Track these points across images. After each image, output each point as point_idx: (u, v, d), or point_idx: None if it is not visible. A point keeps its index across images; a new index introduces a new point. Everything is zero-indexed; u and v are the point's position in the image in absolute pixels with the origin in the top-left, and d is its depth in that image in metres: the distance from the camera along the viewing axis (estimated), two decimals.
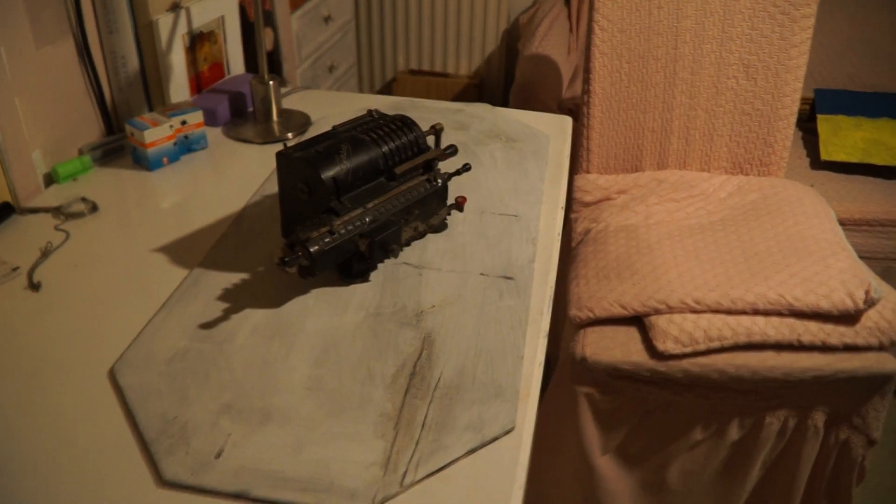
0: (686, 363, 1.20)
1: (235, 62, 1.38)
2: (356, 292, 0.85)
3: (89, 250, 0.92)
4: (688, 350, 1.19)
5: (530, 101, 1.80)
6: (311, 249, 0.78)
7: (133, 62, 1.17)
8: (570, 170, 1.57)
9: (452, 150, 1.03)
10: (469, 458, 0.65)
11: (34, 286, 0.85)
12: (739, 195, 1.48)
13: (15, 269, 0.87)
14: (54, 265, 0.89)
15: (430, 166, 0.93)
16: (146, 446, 0.65)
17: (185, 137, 1.14)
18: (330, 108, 1.31)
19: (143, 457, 0.64)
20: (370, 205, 0.85)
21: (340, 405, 0.69)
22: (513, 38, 2.60)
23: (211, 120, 1.23)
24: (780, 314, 1.21)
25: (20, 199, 1.01)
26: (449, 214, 0.97)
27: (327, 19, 2.15)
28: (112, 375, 0.72)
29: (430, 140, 0.97)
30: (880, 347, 1.21)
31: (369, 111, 0.96)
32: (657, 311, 1.23)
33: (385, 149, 0.88)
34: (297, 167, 0.84)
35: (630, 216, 1.46)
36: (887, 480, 1.67)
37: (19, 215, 0.98)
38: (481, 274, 0.88)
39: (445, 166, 0.99)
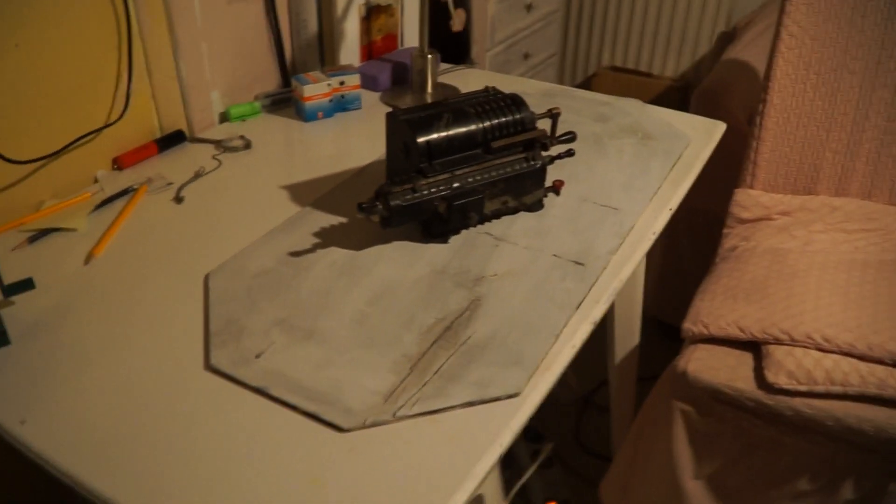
0: (798, 402, 1.10)
1: (411, 36, 1.49)
2: (431, 250, 0.90)
3: (231, 178, 1.07)
4: (803, 388, 1.09)
5: (713, 107, 1.71)
6: (391, 203, 0.85)
7: (313, 25, 1.32)
8: (732, 183, 1.48)
9: (570, 137, 1.04)
10: (465, 409, 0.68)
11: (178, 199, 1.01)
12: None
13: (169, 184, 1.05)
14: (200, 186, 1.05)
15: (531, 146, 0.95)
16: (208, 338, 0.76)
17: (342, 97, 1.26)
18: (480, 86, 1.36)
19: (202, 346, 0.75)
20: (459, 172, 0.90)
21: (373, 339, 0.75)
22: (728, 43, 2.46)
23: (372, 85, 1.34)
24: None
25: (195, 129, 1.19)
26: (546, 196, 0.99)
27: (529, 7, 2.20)
28: (206, 279, 0.85)
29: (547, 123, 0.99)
30: None
31: (486, 87, 1.00)
32: (778, 341, 1.14)
33: (486, 124, 0.92)
34: (400, 128, 0.91)
35: (786, 240, 1.35)
36: None
37: (189, 143, 1.16)
38: (554, 255, 0.89)
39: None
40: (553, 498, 1.53)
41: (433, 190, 0.88)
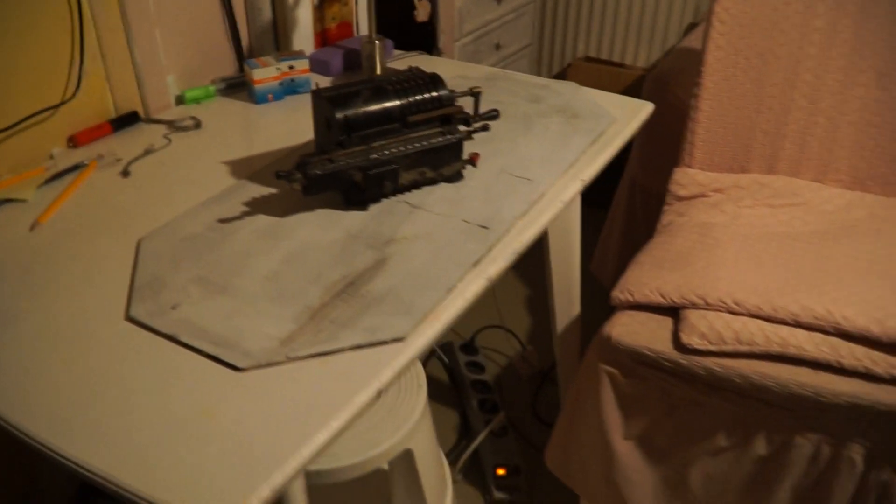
0: (709, 361, 1.17)
1: (366, 24, 1.56)
2: (350, 217, 0.98)
3: (178, 155, 1.15)
4: (713, 348, 1.16)
5: (662, 92, 1.78)
6: (309, 172, 0.93)
7: (267, 13, 1.40)
8: (654, 156, 1.55)
9: (493, 114, 1.11)
10: (354, 352, 0.76)
11: (125, 173, 1.09)
12: (846, 211, 1.37)
13: (118, 160, 1.13)
14: (148, 162, 1.13)
15: (448, 121, 1.03)
16: (131, 293, 0.84)
17: (292, 81, 1.34)
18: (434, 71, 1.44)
19: (125, 299, 0.83)
20: (376, 144, 0.98)
21: (281, 293, 0.83)
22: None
23: (324, 70, 1.42)
24: (824, 331, 1.13)
25: (150, 111, 1.27)
26: (464, 168, 1.06)
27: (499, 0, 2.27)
28: (139, 243, 0.93)
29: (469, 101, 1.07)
30: None
31: (410, 68, 1.08)
32: (694, 305, 1.21)
33: (403, 100, 1.00)
34: (322, 105, 0.99)
35: (716, 215, 1.42)
36: None
37: (144, 123, 1.25)
38: (463, 220, 0.96)
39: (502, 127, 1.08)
40: (504, 464, 1.61)
41: (350, 161, 0.95)
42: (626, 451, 1.32)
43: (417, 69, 1.07)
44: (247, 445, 0.66)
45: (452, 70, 1.45)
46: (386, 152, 0.98)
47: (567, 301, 1.46)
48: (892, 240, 1.25)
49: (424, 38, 1.98)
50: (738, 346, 1.15)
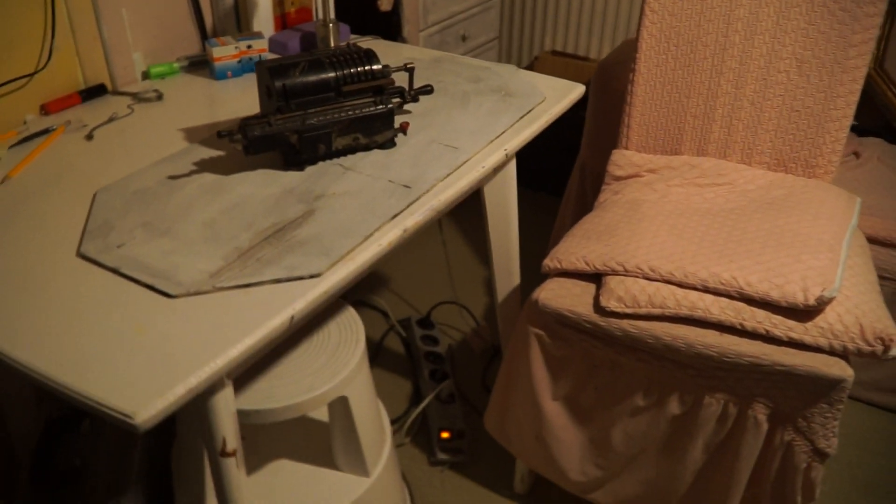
0: (625, 323, 1.27)
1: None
2: (287, 176, 1.08)
3: (139, 123, 1.25)
4: (628, 311, 1.26)
5: (608, 79, 1.88)
6: (248, 133, 1.03)
7: None
8: (600, 140, 1.66)
9: (427, 89, 1.22)
10: (274, 285, 0.85)
11: (89, 137, 1.19)
12: (766, 190, 1.48)
13: (84, 126, 1.23)
14: (111, 128, 1.23)
15: (381, 91, 1.13)
16: (83, 235, 0.94)
17: (250, 59, 1.44)
18: (386, 53, 1.54)
19: (78, 240, 0.93)
20: (312, 111, 1.08)
21: (216, 237, 0.93)
22: None
23: (282, 51, 1.52)
24: (730, 296, 1.23)
25: (117, 84, 1.37)
26: (395, 136, 1.16)
27: None
28: (95, 195, 1.03)
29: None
30: (831, 351, 1.18)
31: (348, 44, 1.18)
32: (614, 272, 1.31)
33: (339, 72, 1.10)
34: (264, 74, 1.09)
35: (647, 193, 1.52)
36: None
37: (111, 95, 1.35)
38: (389, 181, 1.06)
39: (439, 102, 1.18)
40: (449, 428, 1.71)
41: (287, 124, 1.06)
42: (554, 411, 1.42)
43: (355, 45, 1.17)
44: (171, 356, 0.76)
45: (404, 53, 1.55)
46: (321, 118, 1.08)
47: (506, 272, 1.56)
48: (802, 215, 1.36)
49: (389, 27, 2.08)
50: (651, 309, 1.25)
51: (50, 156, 1.14)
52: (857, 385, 1.81)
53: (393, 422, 1.78)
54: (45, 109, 1.27)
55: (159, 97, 1.33)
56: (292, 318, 0.83)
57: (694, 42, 1.52)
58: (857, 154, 1.95)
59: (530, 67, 2.87)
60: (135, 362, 0.74)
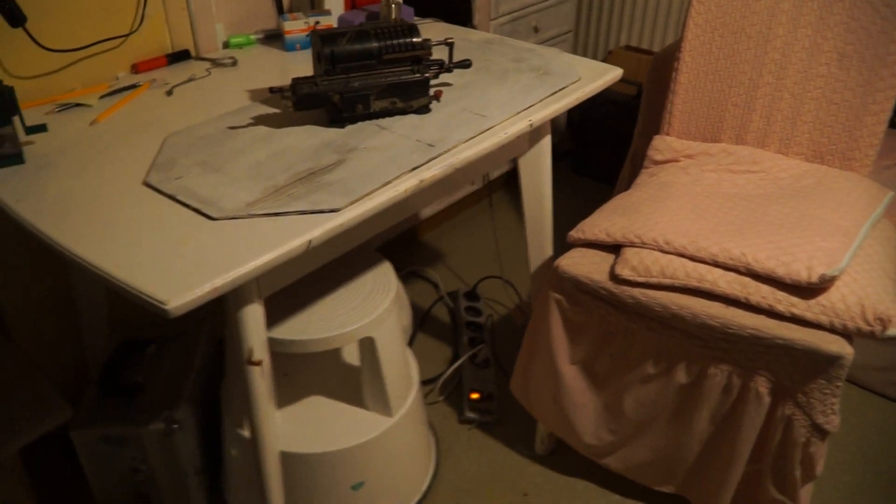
0: (636, 292, 1.34)
1: None
2: (329, 132, 1.22)
3: (214, 83, 1.42)
4: (640, 280, 1.34)
5: (663, 72, 1.94)
6: (297, 91, 1.18)
7: None
8: (652, 130, 1.72)
9: (466, 63, 1.34)
10: (298, 216, 0.99)
11: (169, 93, 1.38)
12: (797, 178, 1.51)
13: (166, 84, 1.41)
14: (189, 87, 1.41)
15: (418, 61, 1.25)
16: (151, 169, 1.11)
17: None
18: (443, 32, 1.66)
19: (146, 172, 1.10)
20: (354, 75, 1.21)
21: (258, 175, 1.08)
22: None
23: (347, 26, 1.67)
24: (737, 271, 1.29)
25: (200, 50, 1.55)
26: (430, 102, 1.28)
27: None
28: (166, 138, 1.20)
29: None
30: (831, 328, 1.22)
31: (394, 19, 1.31)
32: (632, 244, 1.38)
33: (382, 43, 1.23)
34: (316, 42, 1.23)
35: (680, 176, 1.58)
36: None
37: (193, 60, 1.53)
38: (417, 140, 1.19)
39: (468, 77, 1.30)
40: (479, 390, 1.82)
41: (331, 86, 1.20)
42: (571, 375, 1.51)
43: (400, 21, 1.30)
44: (204, 262, 0.91)
45: (458, 34, 1.67)
46: (362, 82, 1.21)
47: (539, 244, 1.65)
48: (825, 202, 1.39)
49: (459, 14, 2.21)
50: (662, 279, 1.32)
51: (134, 107, 1.32)
52: (886, 382, 1.80)
53: (430, 381, 1.91)
54: (136, 68, 1.46)
55: (234, 63, 1.50)
56: (310, 242, 0.96)
57: (738, 33, 1.57)
58: None
59: (604, 61, 2.93)
60: (174, 265, 0.90)
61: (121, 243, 0.94)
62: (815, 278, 1.21)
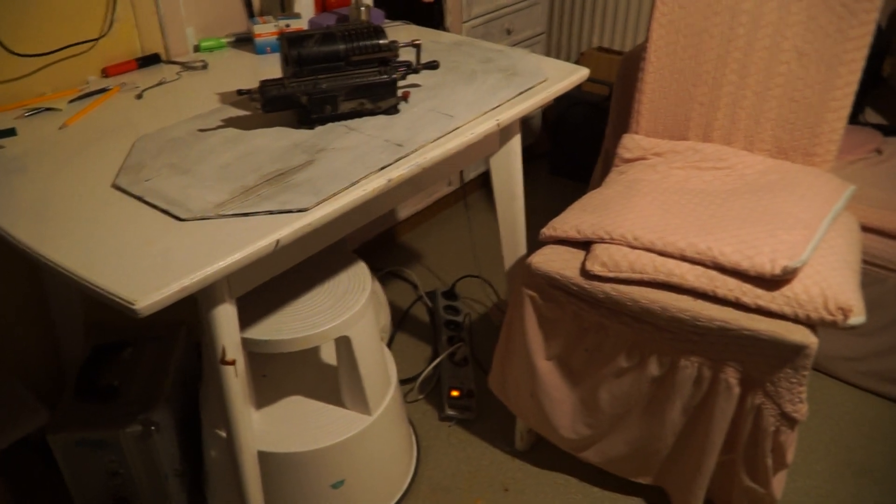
0: (607, 287, 1.37)
1: None
2: (299, 133, 1.23)
3: (184, 86, 1.43)
4: (610, 275, 1.36)
5: (632, 71, 1.97)
6: (265, 93, 1.19)
7: None
8: (622, 129, 1.75)
9: (434, 65, 1.35)
10: (267, 216, 1.00)
11: (139, 97, 1.38)
12: (762, 174, 1.54)
13: (136, 87, 1.42)
14: (159, 90, 1.41)
15: (385, 63, 1.27)
16: (120, 170, 1.12)
17: None
18: (410, 37, 1.68)
19: (115, 174, 1.11)
20: (322, 76, 1.23)
21: (227, 177, 1.09)
22: None
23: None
24: (704, 265, 1.31)
25: (170, 54, 1.56)
26: (398, 103, 1.30)
27: None
28: (136, 141, 1.21)
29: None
30: (795, 319, 1.25)
31: (362, 22, 1.32)
32: (601, 240, 1.41)
33: (348, 45, 1.24)
34: (284, 44, 1.25)
35: (649, 174, 1.61)
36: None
37: (164, 63, 1.54)
38: (385, 140, 1.20)
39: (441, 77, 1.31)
40: (459, 388, 1.83)
41: (299, 87, 1.21)
42: (547, 370, 1.53)
43: (367, 23, 1.31)
44: (172, 263, 0.91)
45: (427, 36, 1.69)
46: (329, 83, 1.23)
47: (513, 242, 1.67)
48: (788, 196, 1.42)
49: (431, 16, 2.23)
50: (632, 274, 1.35)
51: (104, 110, 1.33)
52: (867, 374, 1.83)
53: (409, 380, 1.92)
54: (106, 72, 1.47)
55: (205, 66, 1.51)
56: (278, 242, 0.97)
57: (701, 33, 1.60)
58: (879, 151, 1.96)
59: (577, 62, 2.96)
60: (142, 265, 0.91)
61: (89, 245, 0.95)
62: (778, 270, 1.24)
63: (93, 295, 0.88)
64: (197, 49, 1.61)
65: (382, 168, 1.12)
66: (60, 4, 1.37)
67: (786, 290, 1.26)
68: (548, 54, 3.05)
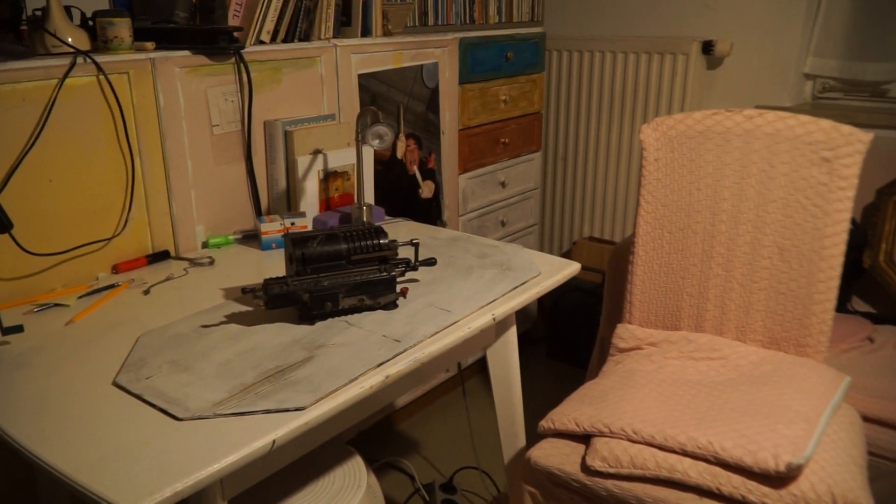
0: (609, 483, 1.33)
1: (368, 195, 1.93)
2: (299, 329, 1.26)
3: (190, 282, 1.48)
4: (612, 471, 1.33)
5: (622, 262, 2.04)
6: (268, 291, 1.23)
7: (282, 183, 1.78)
8: (616, 316, 1.79)
9: (431, 262, 1.42)
10: (264, 415, 1.00)
11: (146, 292, 1.43)
12: (757, 365, 1.55)
13: (144, 283, 1.47)
14: (166, 286, 1.46)
15: (385, 261, 1.33)
16: (122, 368, 1.13)
17: None
18: (409, 234, 1.77)
19: (116, 371, 1.12)
20: (324, 275, 1.28)
21: (227, 374, 1.10)
22: None
23: (321, 228, 1.77)
24: (706, 460, 1.29)
25: (180, 251, 1.63)
26: (396, 299, 1.34)
27: (503, 184, 2.65)
28: (139, 338, 1.24)
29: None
30: None
31: (363, 223, 1.40)
32: (601, 433, 1.39)
33: (350, 245, 1.31)
34: (289, 244, 1.31)
35: (645, 364, 1.62)
36: None
37: (172, 259, 1.60)
38: (383, 335, 1.23)
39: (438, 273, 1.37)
40: None
41: (301, 285, 1.26)
42: None
43: (368, 223, 1.39)
44: (167, 465, 0.90)
45: (426, 232, 1.78)
46: (331, 281, 1.28)
47: (511, 433, 1.65)
48: (784, 388, 1.42)
49: (429, 211, 2.35)
50: (633, 470, 1.32)
51: (110, 306, 1.37)
52: None
53: None
54: (116, 269, 1.53)
55: (211, 262, 1.58)
56: (274, 442, 0.97)
57: (685, 230, 1.69)
58: (871, 339, 2.00)
59: (568, 252, 3.08)
60: (136, 468, 0.89)
61: (84, 445, 0.94)
62: (782, 467, 1.22)
63: (84, 498, 0.86)
64: (205, 245, 1.68)
65: (380, 364, 1.14)
66: (81, 207, 1.46)
67: (792, 487, 1.23)
68: (541, 244, 3.18)
